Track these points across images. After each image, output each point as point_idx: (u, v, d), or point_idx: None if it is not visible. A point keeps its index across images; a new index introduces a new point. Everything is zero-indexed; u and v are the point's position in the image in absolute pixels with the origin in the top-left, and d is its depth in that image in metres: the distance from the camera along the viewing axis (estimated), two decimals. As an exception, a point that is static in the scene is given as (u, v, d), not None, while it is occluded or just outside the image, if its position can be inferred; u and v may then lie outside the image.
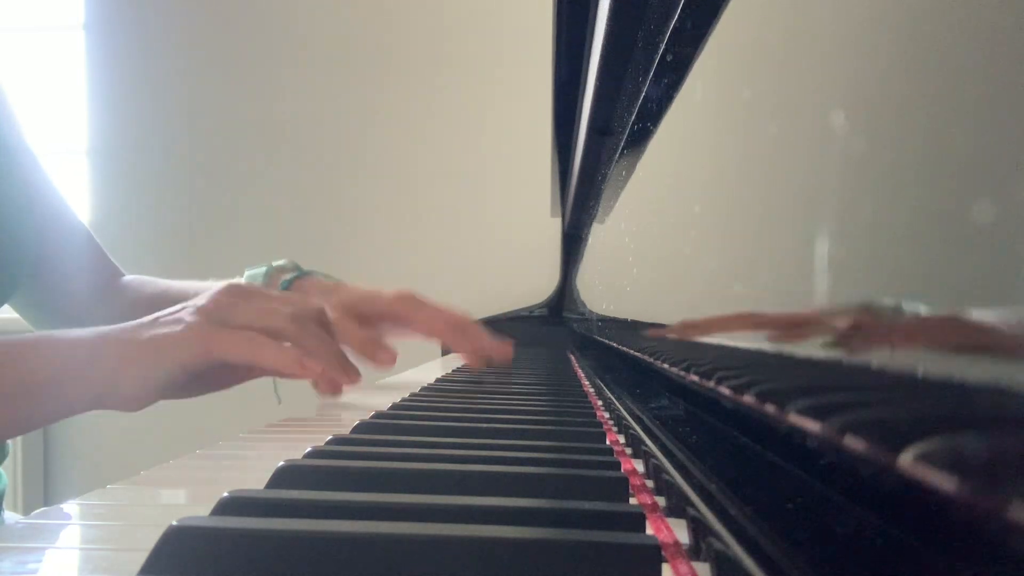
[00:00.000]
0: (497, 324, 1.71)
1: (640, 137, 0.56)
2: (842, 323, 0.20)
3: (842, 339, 0.20)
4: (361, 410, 0.60)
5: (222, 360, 0.56)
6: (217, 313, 0.57)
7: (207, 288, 0.61)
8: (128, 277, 0.90)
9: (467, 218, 2.01)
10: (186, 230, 2.08)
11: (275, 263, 0.77)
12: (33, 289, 0.81)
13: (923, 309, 0.16)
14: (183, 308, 0.58)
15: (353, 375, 0.60)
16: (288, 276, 0.76)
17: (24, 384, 0.56)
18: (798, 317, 0.22)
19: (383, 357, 0.62)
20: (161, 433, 1.37)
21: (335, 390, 0.59)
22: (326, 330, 0.61)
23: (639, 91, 0.55)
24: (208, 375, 0.59)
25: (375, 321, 0.76)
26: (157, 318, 0.58)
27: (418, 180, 2.03)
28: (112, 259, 0.90)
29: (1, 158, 0.75)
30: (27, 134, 0.83)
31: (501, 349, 0.79)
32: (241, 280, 0.61)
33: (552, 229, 1.69)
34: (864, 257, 0.19)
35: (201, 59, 2.09)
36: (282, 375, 0.58)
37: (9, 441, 0.84)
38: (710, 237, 0.35)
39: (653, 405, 0.52)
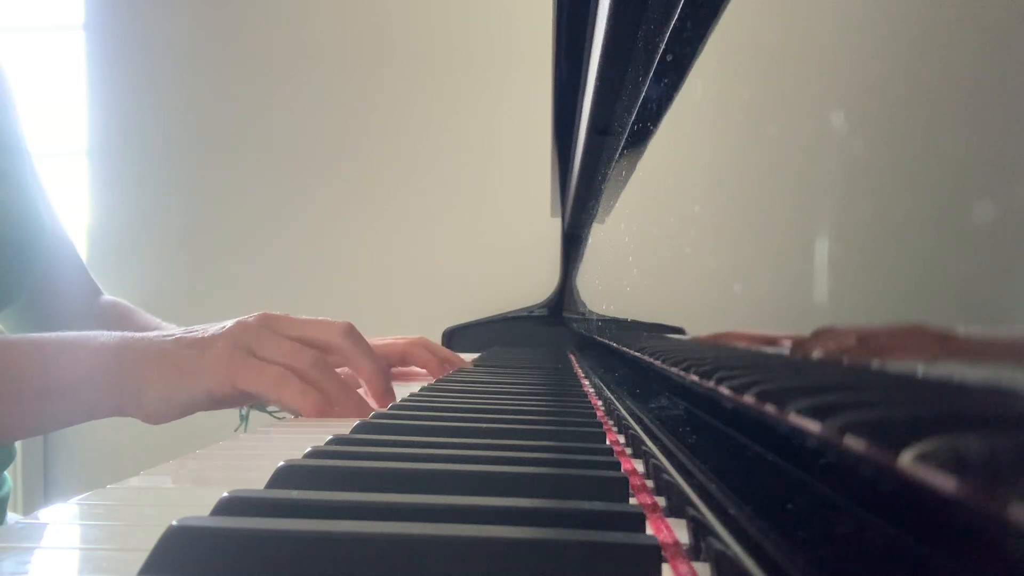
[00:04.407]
0: (497, 324, 1.71)
1: (640, 137, 0.56)
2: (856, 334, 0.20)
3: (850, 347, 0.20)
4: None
5: (245, 391, 0.57)
6: (245, 341, 0.58)
7: (168, 329, 0.62)
8: (105, 297, 0.93)
9: (467, 218, 2.01)
10: (186, 230, 2.08)
11: None
12: (30, 300, 0.82)
13: (922, 309, 0.16)
14: (211, 331, 0.59)
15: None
16: None
17: (53, 381, 0.57)
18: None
19: (389, 400, 0.63)
20: (161, 433, 1.37)
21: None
22: (362, 351, 0.62)
23: (639, 91, 0.55)
24: (230, 398, 0.59)
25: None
26: (184, 337, 0.59)
27: (418, 180, 2.03)
28: (92, 277, 0.93)
29: (17, 180, 0.81)
30: (36, 163, 0.87)
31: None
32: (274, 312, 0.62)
33: (552, 229, 1.69)
34: (864, 257, 0.19)
35: (201, 59, 2.09)
36: (302, 414, 0.59)
37: (15, 444, 0.85)
38: (710, 237, 0.35)
39: (653, 405, 0.52)
